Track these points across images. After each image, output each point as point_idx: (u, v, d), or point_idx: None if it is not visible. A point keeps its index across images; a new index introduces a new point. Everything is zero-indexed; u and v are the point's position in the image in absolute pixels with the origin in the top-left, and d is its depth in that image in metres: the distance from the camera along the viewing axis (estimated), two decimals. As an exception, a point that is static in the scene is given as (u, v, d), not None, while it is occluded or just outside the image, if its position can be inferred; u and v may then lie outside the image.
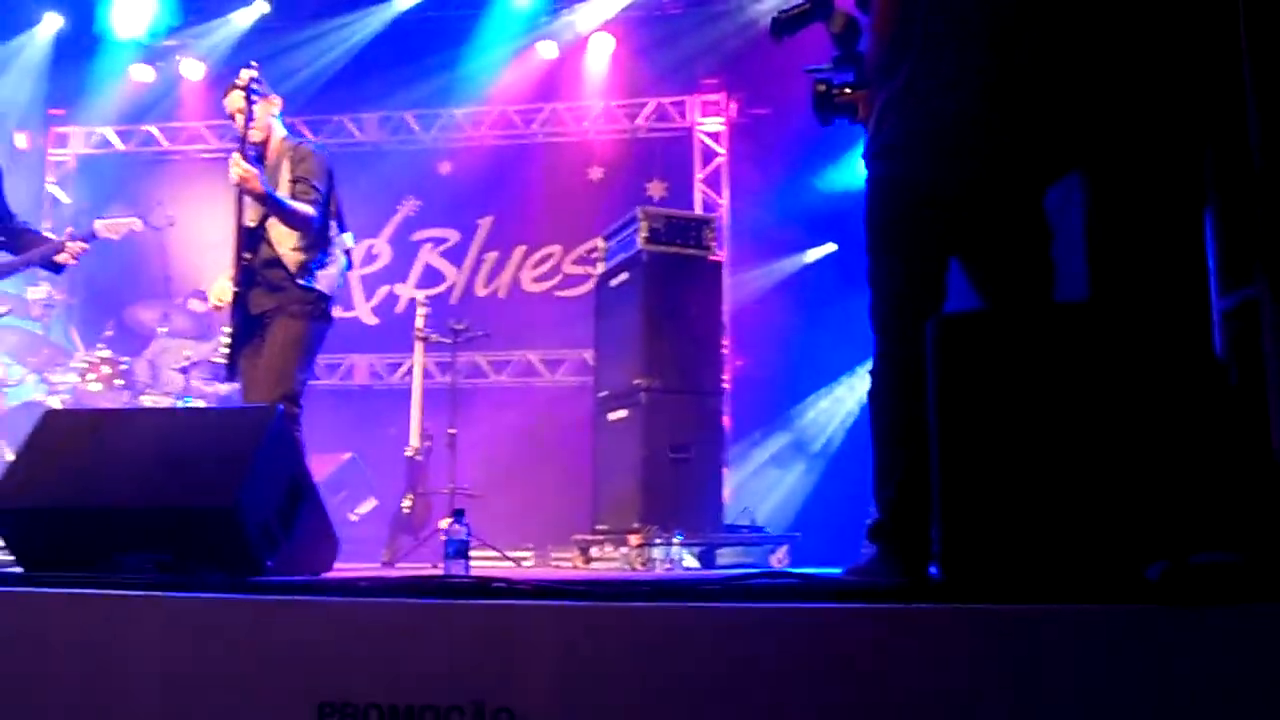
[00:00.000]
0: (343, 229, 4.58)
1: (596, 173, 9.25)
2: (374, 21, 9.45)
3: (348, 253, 4.59)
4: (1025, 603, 1.91)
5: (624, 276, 5.61)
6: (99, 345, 7.01)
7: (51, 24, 9.50)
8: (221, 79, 9.67)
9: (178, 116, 9.89)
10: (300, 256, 4.36)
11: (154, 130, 9.95)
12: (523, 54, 9.37)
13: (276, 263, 4.37)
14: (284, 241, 4.36)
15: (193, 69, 9.64)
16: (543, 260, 9.31)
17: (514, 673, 2.01)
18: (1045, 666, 1.85)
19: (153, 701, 2.16)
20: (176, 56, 9.69)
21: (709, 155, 9.05)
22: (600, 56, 9.27)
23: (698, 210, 8.50)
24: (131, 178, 9.91)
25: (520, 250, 9.40)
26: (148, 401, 6.75)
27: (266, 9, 9.46)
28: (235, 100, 4.48)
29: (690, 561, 5.21)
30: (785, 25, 3.15)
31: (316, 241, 4.40)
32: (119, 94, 9.86)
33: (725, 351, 7.90)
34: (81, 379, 6.66)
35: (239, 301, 4.32)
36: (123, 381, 6.73)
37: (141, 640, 2.21)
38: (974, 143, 2.87)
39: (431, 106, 9.58)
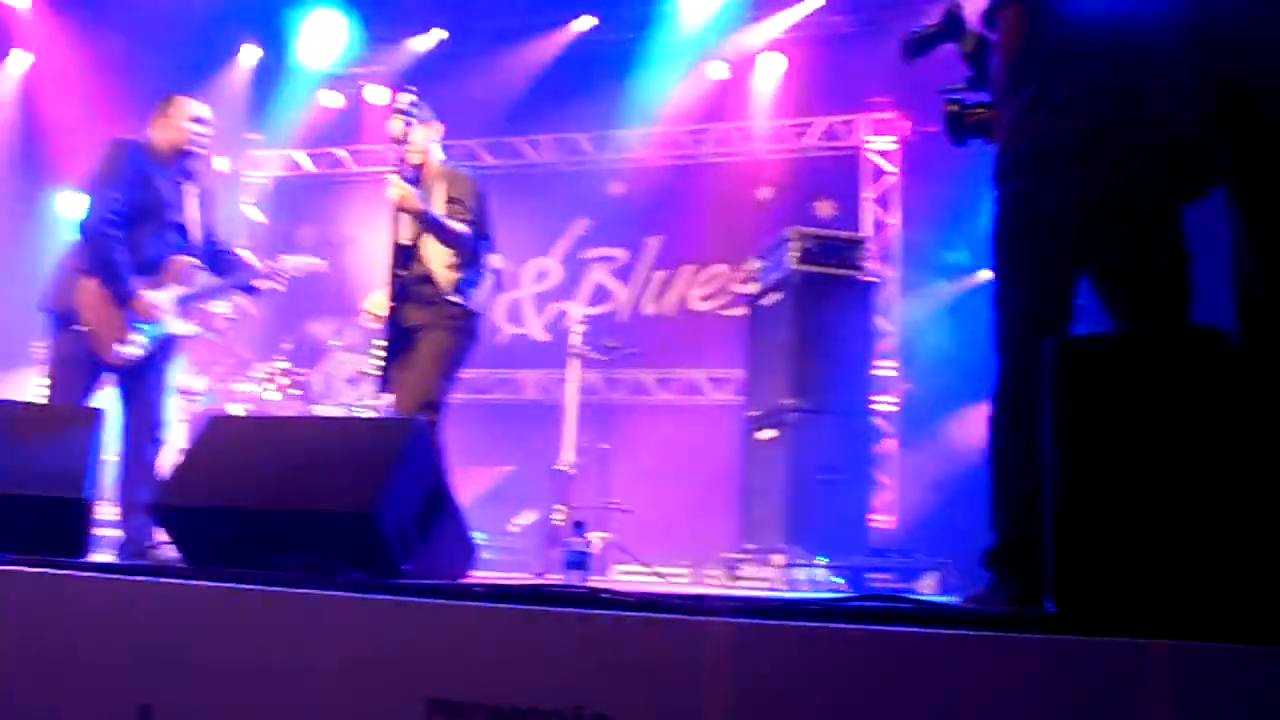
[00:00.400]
0: (491, 250, 4.73)
1: (764, 192, 9.27)
2: (549, 46, 9.71)
3: (496, 273, 4.73)
4: (1143, 636, 1.84)
5: (775, 296, 5.60)
6: (278, 357, 7.40)
7: (250, 55, 10.12)
8: (403, 103, 10.07)
9: (362, 139, 10.38)
10: (452, 275, 4.52)
11: (341, 152, 10.47)
12: (692, 75, 9.48)
13: (428, 279, 4.54)
14: (436, 259, 4.53)
15: (376, 94, 10.10)
16: (710, 279, 9.39)
17: (612, 680, 2.05)
18: (1156, 707, 1.78)
19: (288, 688, 2.29)
20: (361, 82, 10.19)
21: (877, 174, 8.96)
22: (769, 76, 9.32)
23: (867, 230, 8.43)
24: (320, 198, 10.46)
25: (688, 269, 9.51)
26: (321, 411, 7.09)
27: (444, 35, 9.84)
28: (396, 124, 4.67)
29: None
30: (917, 46, 3.13)
31: (469, 260, 4.55)
32: (309, 118, 10.42)
33: (895, 373, 7.83)
34: (261, 389, 7.04)
35: (392, 315, 4.50)
36: (299, 392, 7.09)
37: (283, 632, 2.35)
38: (1102, 159, 2.79)
39: (603, 128, 9.78)
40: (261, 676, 2.33)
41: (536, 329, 9.88)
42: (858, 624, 1.98)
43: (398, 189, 4.39)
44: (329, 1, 9.70)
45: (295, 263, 5.07)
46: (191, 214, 4.80)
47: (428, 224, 4.47)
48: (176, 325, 4.70)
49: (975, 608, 2.55)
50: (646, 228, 9.70)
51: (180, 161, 4.78)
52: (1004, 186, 2.95)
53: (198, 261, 4.83)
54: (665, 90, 9.52)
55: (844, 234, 5.94)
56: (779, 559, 5.04)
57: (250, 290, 5.05)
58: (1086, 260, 2.88)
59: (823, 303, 5.30)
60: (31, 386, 7.34)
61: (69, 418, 3.69)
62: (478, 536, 7.46)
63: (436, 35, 9.88)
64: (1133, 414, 2.24)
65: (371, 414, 7.02)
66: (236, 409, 7.02)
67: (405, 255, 4.53)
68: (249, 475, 3.29)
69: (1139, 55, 2.80)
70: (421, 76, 9.86)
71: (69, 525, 3.35)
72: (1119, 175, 2.78)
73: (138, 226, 4.60)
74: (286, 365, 7.22)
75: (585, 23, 9.61)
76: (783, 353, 5.36)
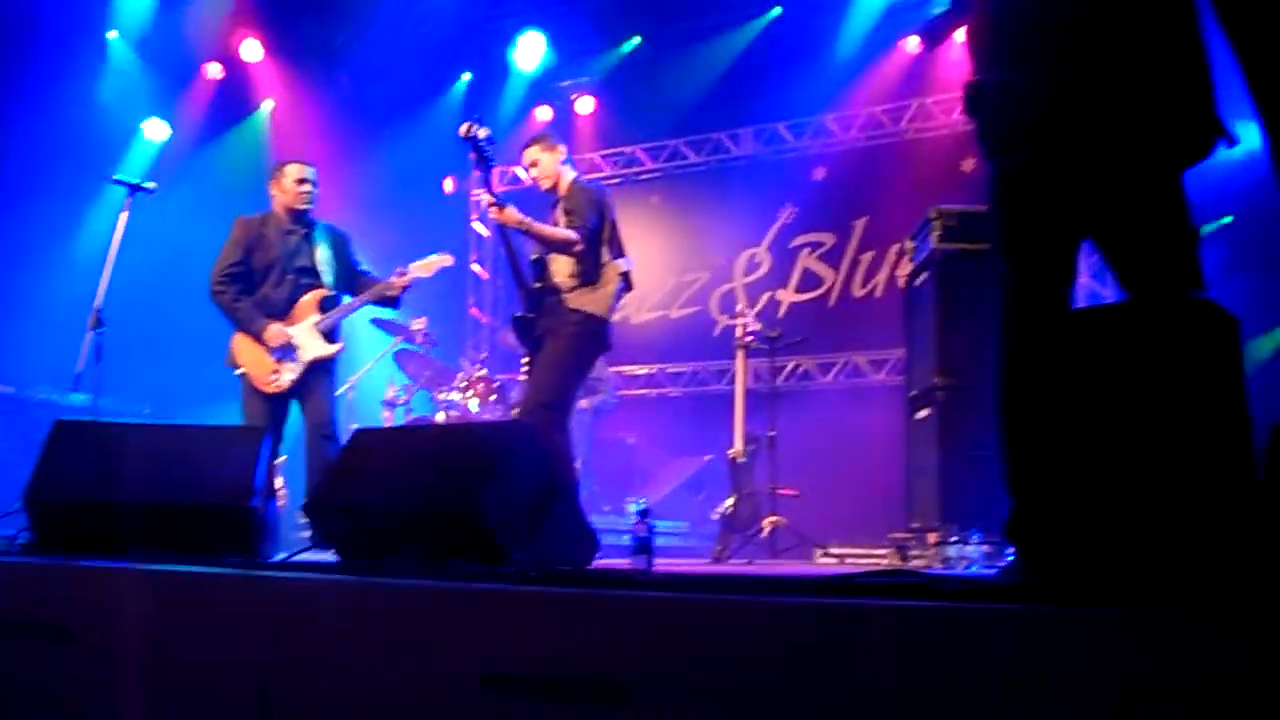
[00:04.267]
0: (616, 256, 4.98)
1: (969, 164, 9.13)
2: (741, 40, 9.89)
3: (624, 275, 4.97)
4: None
5: (924, 276, 5.59)
6: (477, 366, 7.90)
7: (465, 81, 10.82)
8: (609, 109, 10.56)
9: (573, 150, 10.86)
10: (571, 283, 4.84)
11: (556, 164, 10.99)
12: (888, 53, 9.44)
13: (554, 290, 4.87)
14: (560, 271, 4.87)
15: (583, 104, 10.60)
16: (917, 257, 9.32)
17: (625, 652, 2.23)
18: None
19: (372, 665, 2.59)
20: (570, 95, 10.69)
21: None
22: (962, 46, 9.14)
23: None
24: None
25: (895, 248, 9.46)
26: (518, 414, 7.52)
27: (639, 40, 10.21)
28: (530, 154, 5.06)
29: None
30: (931, 32, 3.15)
31: (586, 268, 4.85)
32: (525, 134, 10.97)
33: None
34: (463, 396, 7.56)
35: (528, 325, 4.87)
36: (496, 397, 7.57)
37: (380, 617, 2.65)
38: (1093, 125, 2.74)
39: (802, 115, 9.88)
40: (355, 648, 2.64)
41: (750, 319, 10.04)
42: (855, 599, 2.09)
43: (493, 209, 4.77)
44: (534, 24, 10.22)
45: (422, 264, 5.58)
46: (321, 256, 5.47)
47: (528, 232, 4.82)
48: (319, 348, 5.36)
49: (961, 581, 2.57)
50: (852, 210, 9.74)
51: (298, 217, 5.48)
52: (1000, 160, 2.97)
53: (328, 292, 5.49)
54: (861, 71, 9.53)
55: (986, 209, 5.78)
56: (932, 537, 5.06)
57: (388, 303, 5.65)
58: (1087, 231, 2.85)
59: (967, 280, 5.25)
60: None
61: (236, 436, 4.20)
62: (679, 524, 7.78)
63: (633, 41, 10.25)
64: (1127, 385, 2.26)
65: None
66: (441, 417, 7.57)
67: (537, 268, 4.89)
68: (374, 476, 3.69)
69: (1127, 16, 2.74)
70: (622, 82, 10.30)
71: (238, 531, 3.82)
72: (1112, 141, 2.74)
73: (263, 280, 5.41)
74: (484, 373, 7.72)
75: (774, 13, 9.73)
76: (930, 332, 5.35)
